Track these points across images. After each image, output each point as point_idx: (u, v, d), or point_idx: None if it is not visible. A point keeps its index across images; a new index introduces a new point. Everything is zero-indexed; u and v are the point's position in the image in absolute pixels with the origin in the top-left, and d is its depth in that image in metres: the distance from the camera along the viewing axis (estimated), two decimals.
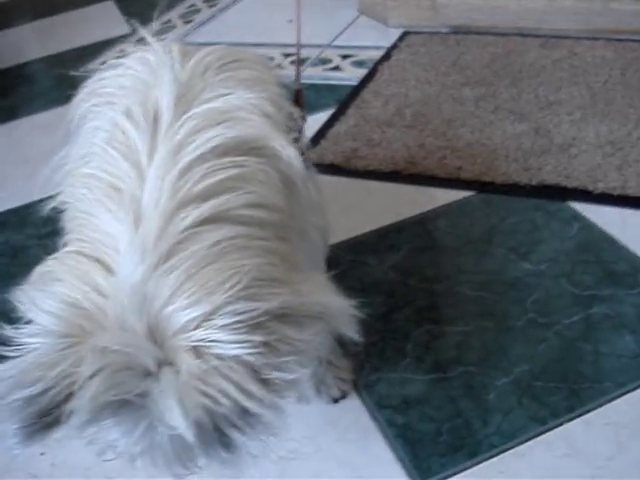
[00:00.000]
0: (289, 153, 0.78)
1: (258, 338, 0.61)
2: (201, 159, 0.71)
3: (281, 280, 0.67)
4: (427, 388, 1.11)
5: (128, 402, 0.63)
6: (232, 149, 0.74)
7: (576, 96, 1.73)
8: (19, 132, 2.16)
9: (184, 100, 0.77)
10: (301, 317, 0.65)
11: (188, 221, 0.66)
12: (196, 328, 0.62)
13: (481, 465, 1.00)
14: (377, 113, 1.78)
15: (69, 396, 0.61)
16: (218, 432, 0.61)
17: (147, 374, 0.62)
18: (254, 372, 0.61)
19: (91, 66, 2.43)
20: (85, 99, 0.90)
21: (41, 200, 1.69)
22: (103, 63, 2.33)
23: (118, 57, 0.93)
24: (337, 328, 0.68)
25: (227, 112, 0.76)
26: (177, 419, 0.60)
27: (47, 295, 0.66)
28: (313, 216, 0.87)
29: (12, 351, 0.67)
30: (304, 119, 0.97)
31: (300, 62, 1.14)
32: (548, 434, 1.02)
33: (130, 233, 0.66)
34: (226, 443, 0.62)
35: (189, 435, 0.60)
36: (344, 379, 1.11)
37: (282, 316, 0.64)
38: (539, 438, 1.02)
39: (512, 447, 1.02)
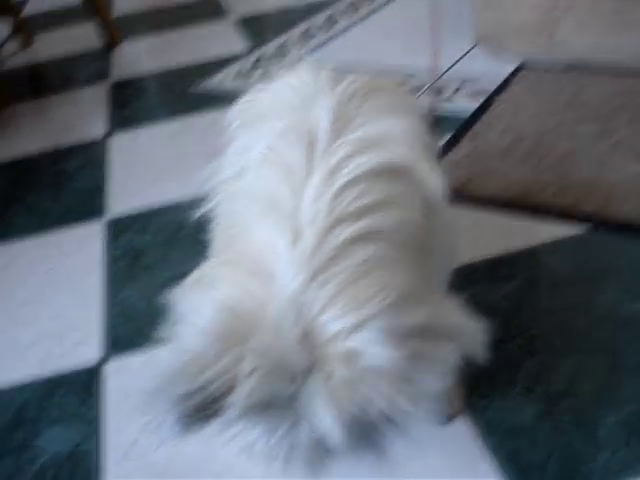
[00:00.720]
0: (433, 180, 0.82)
1: (404, 351, 0.65)
2: (354, 182, 0.76)
3: (423, 299, 0.71)
4: (536, 418, 1.12)
5: (276, 402, 0.68)
6: (382, 174, 0.78)
7: None
8: (140, 140, 2.26)
9: (337, 125, 0.82)
10: (441, 335, 0.69)
11: (341, 239, 0.71)
12: (346, 338, 0.66)
13: None
14: (491, 144, 1.80)
15: (227, 392, 0.66)
16: (365, 435, 0.65)
17: (297, 378, 0.67)
18: (400, 382, 0.64)
19: (209, 82, 2.53)
20: (237, 117, 0.96)
21: (163, 207, 1.78)
22: (222, 80, 2.43)
23: (267, 81, 0.99)
24: (469, 348, 0.72)
25: (377, 138, 0.81)
26: (327, 422, 0.64)
27: (207, 298, 0.72)
28: (446, 240, 0.91)
29: (170, 349, 0.73)
30: (438, 146, 1.01)
31: (435, 91, 1.18)
32: None
33: (288, 247, 0.71)
34: (373, 446, 0.65)
35: (338, 438, 0.64)
36: (455, 402, 1.13)
37: (425, 332, 0.68)
38: None
39: None
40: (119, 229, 1.77)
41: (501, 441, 1.10)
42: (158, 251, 1.66)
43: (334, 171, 0.76)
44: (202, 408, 0.67)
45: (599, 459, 1.05)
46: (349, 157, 0.77)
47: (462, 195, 1.62)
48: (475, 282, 1.38)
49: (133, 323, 1.47)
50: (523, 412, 1.13)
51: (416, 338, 0.67)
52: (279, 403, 0.69)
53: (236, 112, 0.98)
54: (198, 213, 0.96)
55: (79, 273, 1.65)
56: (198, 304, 0.72)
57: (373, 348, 0.65)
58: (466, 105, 2.03)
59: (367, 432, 0.66)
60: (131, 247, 1.70)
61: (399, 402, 0.64)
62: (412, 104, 0.97)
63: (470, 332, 0.72)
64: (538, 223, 1.52)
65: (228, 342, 0.69)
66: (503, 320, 1.29)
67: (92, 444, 1.22)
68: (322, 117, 0.82)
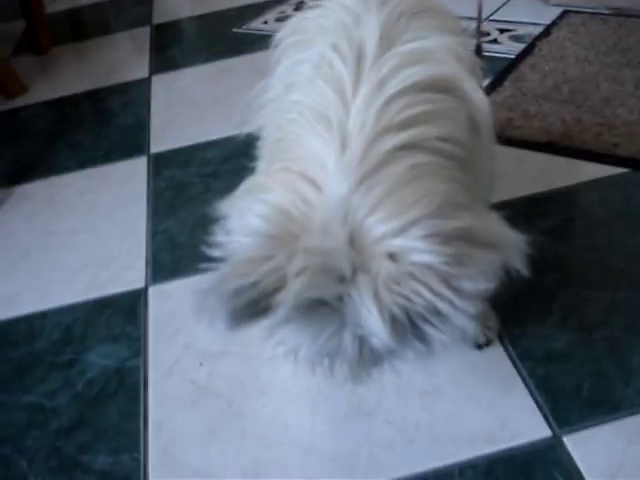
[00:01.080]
0: (478, 96, 0.84)
1: (448, 251, 0.68)
2: (402, 93, 0.78)
3: (466, 206, 0.74)
4: (570, 346, 1.15)
5: (322, 304, 0.71)
6: (429, 86, 0.80)
7: None
8: (183, 81, 2.28)
9: (385, 41, 0.84)
10: (484, 240, 0.71)
11: (388, 146, 0.74)
12: (392, 239, 0.69)
13: (619, 422, 1.03)
14: (534, 87, 1.80)
15: (277, 290, 0.69)
16: (413, 327, 0.67)
17: (343, 279, 0.70)
18: (445, 278, 0.67)
19: (253, 24, 2.53)
20: (287, 35, 0.98)
21: (205, 143, 1.81)
22: (264, 22, 2.43)
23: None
24: (510, 259, 0.74)
25: (425, 53, 0.83)
26: (374, 319, 0.67)
27: (259, 201, 0.75)
28: (486, 160, 0.93)
29: (223, 250, 0.76)
30: (484, 70, 1.03)
31: (479, 33, 1.19)
32: None
33: (337, 154, 0.73)
34: (420, 336, 0.68)
35: (385, 335, 0.67)
36: (490, 327, 1.16)
37: (469, 236, 0.70)
38: None
39: None
40: (162, 163, 1.81)
41: (535, 367, 1.13)
42: (201, 185, 1.70)
43: (382, 82, 0.78)
44: (253, 304, 0.70)
45: (633, 386, 1.08)
46: (397, 69, 0.79)
47: (504, 135, 1.63)
48: (513, 218, 1.39)
49: (176, 251, 1.51)
50: (557, 340, 1.16)
51: (459, 242, 0.70)
52: (326, 304, 0.72)
53: (285, 31, 0.99)
54: (245, 131, 0.99)
55: (124, 204, 1.69)
56: (250, 206, 0.75)
57: (418, 248, 0.68)
58: (510, 48, 2.02)
59: (413, 328, 0.68)
60: (174, 180, 1.73)
61: (446, 295, 0.67)
62: (458, 25, 0.98)
63: (511, 243, 0.75)
64: (578, 164, 1.53)
65: (279, 242, 0.72)
66: (540, 255, 1.30)
67: (138, 360, 1.27)
68: (371, 33, 0.83)
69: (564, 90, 1.76)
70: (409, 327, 0.68)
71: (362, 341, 0.74)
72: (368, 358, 0.76)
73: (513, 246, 0.74)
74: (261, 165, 0.94)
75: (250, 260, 0.71)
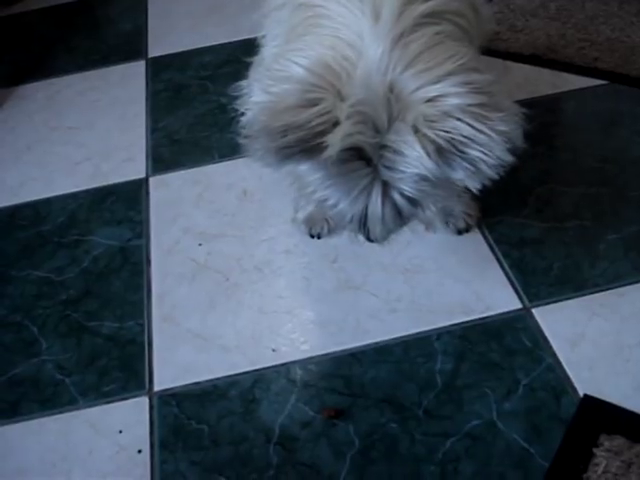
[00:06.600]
0: None
1: (481, 98, 0.77)
2: None
3: (481, 70, 0.83)
4: (543, 233, 1.25)
5: (358, 158, 0.80)
6: None
7: None
8: None
9: None
10: (498, 98, 0.80)
11: (416, 13, 0.83)
12: (430, 87, 0.78)
13: (584, 297, 1.14)
14: (522, 3, 1.86)
15: (325, 132, 0.78)
16: (460, 152, 0.77)
17: (384, 128, 0.79)
18: (480, 119, 0.77)
19: None
20: None
21: (202, 48, 1.84)
22: None
23: None
24: (514, 127, 0.82)
25: None
26: (416, 152, 0.77)
27: (300, 56, 0.83)
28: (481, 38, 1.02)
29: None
30: None
31: None
32: None
33: (370, 22, 0.82)
34: (467, 159, 0.78)
35: (429, 163, 0.77)
36: (470, 214, 1.25)
37: (489, 92, 0.79)
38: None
39: (614, 288, 1.15)
40: (161, 66, 1.86)
41: (509, 250, 1.23)
42: (198, 87, 1.76)
43: None
44: (303, 142, 0.78)
45: (598, 268, 1.18)
46: None
47: (490, 47, 1.69)
48: None
49: (175, 146, 1.58)
50: (532, 228, 1.26)
51: (487, 94, 0.79)
52: (362, 158, 0.81)
53: None
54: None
55: (123, 104, 1.75)
56: (291, 59, 0.83)
57: (454, 92, 0.77)
58: None
59: (460, 153, 0.77)
60: (172, 82, 1.79)
61: (482, 131, 0.76)
62: None
63: (515, 111, 0.84)
64: (560, 75, 1.60)
65: (324, 90, 0.79)
66: (519, 155, 1.39)
67: (141, 241, 1.36)
68: None
69: (551, 7, 1.83)
70: (457, 153, 0.77)
71: (388, 198, 0.84)
72: (392, 216, 0.86)
73: (516, 114, 0.83)
74: (291, 37, 0.95)
75: (298, 103, 0.79)
